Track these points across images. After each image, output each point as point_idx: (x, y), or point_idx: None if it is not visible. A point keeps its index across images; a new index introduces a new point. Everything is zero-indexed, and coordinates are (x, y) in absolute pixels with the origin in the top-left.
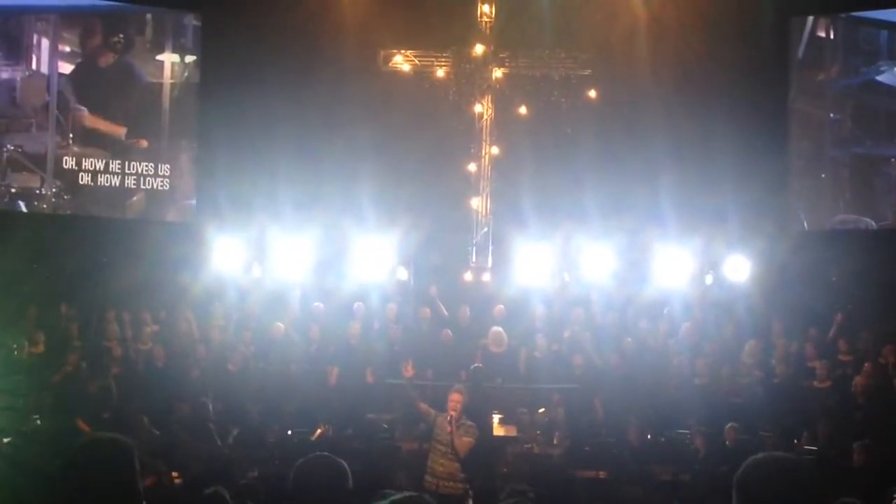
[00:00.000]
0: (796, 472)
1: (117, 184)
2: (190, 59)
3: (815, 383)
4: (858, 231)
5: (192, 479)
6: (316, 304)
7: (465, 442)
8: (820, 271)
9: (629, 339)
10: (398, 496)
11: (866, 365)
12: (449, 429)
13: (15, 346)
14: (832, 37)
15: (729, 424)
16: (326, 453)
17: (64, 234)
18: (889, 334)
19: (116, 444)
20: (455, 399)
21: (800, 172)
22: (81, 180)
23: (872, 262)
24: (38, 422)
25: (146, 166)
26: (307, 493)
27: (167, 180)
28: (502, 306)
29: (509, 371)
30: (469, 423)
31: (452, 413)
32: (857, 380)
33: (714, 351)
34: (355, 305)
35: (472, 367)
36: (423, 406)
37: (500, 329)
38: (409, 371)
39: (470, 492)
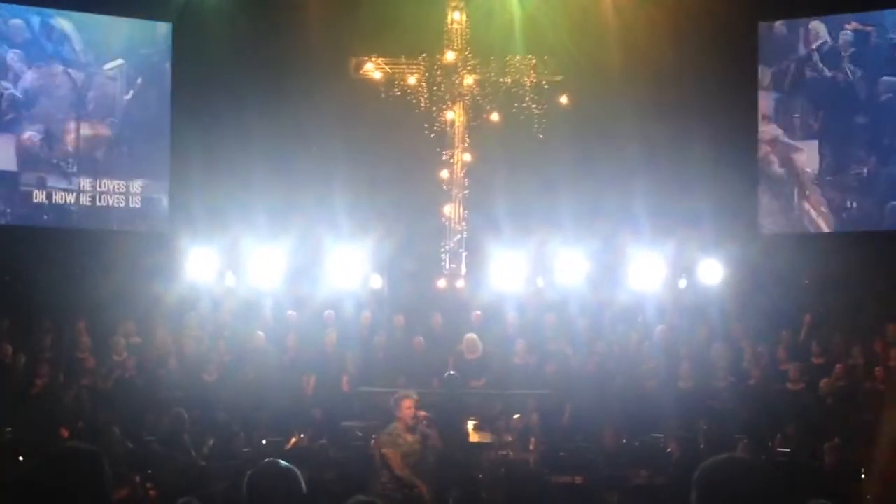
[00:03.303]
0: (754, 474)
1: (88, 202)
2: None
3: (789, 385)
4: (829, 234)
5: (166, 490)
6: (289, 312)
7: (436, 435)
8: (792, 274)
9: (601, 343)
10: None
11: (837, 367)
12: (410, 437)
13: None
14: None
15: (703, 428)
16: (275, 460)
17: (36, 247)
18: (859, 336)
19: (84, 454)
20: (407, 405)
21: (770, 176)
22: (53, 198)
23: (843, 265)
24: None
25: (118, 184)
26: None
27: (139, 198)
28: (480, 312)
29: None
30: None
31: (410, 420)
32: (824, 381)
33: (690, 355)
34: (325, 314)
35: (446, 374)
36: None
37: (474, 336)
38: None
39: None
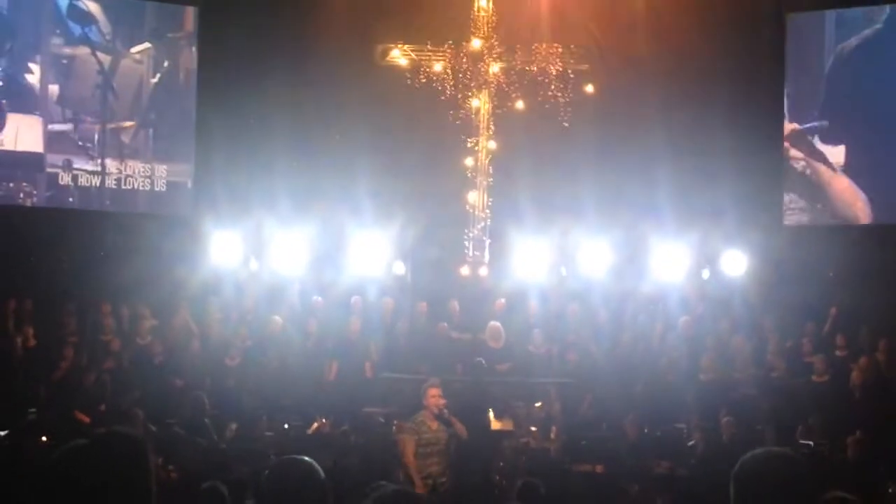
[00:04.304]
0: (793, 468)
1: (114, 185)
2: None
3: (814, 378)
4: (856, 226)
5: (189, 474)
6: (315, 298)
7: (461, 425)
8: (817, 266)
9: (627, 334)
10: (388, 490)
11: (862, 359)
12: (435, 424)
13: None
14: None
15: (725, 419)
16: (293, 456)
17: (61, 229)
18: (885, 329)
19: (129, 440)
20: (434, 393)
21: (795, 168)
22: (79, 180)
23: (869, 257)
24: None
25: (143, 167)
26: (285, 500)
27: (164, 181)
28: (503, 300)
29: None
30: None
31: (435, 408)
32: (855, 374)
33: (712, 346)
34: (353, 299)
35: (474, 360)
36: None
37: (498, 324)
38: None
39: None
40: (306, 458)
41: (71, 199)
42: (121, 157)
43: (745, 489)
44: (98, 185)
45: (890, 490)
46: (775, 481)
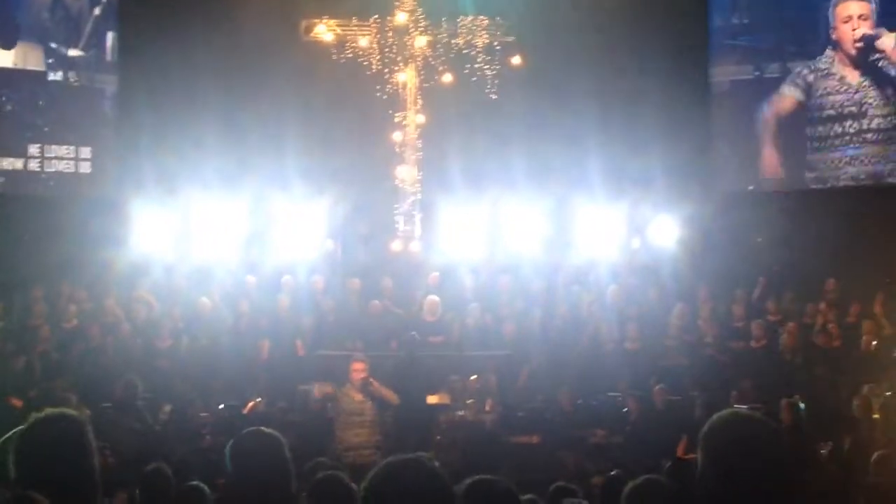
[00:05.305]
0: (759, 429)
1: (37, 167)
2: None
3: (752, 343)
4: (782, 193)
5: (124, 457)
6: (248, 277)
7: (389, 392)
8: (744, 233)
9: (563, 306)
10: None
11: (790, 324)
12: (358, 396)
13: None
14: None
15: (657, 386)
16: (258, 428)
17: None
18: (809, 294)
19: (68, 419)
20: (358, 368)
21: (723, 134)
22: (1, 165)
23: (796, 224)
24: None
25: (66, 150)
26: (249, 470)
27: (89, 163)
28: (437, 274)
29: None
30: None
31: (357, 382)
32: (784, 338)
33: (640, 314)
34: (283, 279)
35: (408, 334)
36: (319, 390)
37: (436, 298)
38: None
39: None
40: (269, 430)
41: None
42: (42, 139)
43: (713, 451)
44: (21, 168)
45: (823, 451)
46: (742, 443)
